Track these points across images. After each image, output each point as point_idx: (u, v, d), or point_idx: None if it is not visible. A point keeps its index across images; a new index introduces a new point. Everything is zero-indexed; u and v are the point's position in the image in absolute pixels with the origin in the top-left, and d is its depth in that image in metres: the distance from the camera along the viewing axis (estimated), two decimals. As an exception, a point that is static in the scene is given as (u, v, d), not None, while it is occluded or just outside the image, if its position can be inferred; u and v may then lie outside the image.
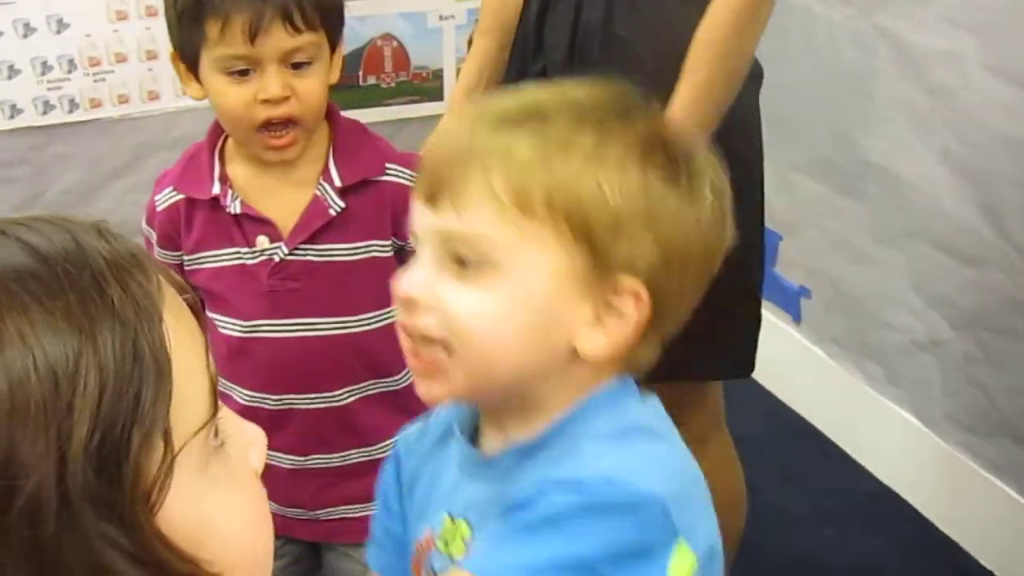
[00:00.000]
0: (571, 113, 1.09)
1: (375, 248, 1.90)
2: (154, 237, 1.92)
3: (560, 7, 2.02)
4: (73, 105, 2.71)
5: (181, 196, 1.88)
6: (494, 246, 1.06)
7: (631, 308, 1.08)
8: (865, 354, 3.07)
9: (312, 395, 1.92)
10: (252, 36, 1.73)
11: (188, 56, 1.79)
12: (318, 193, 1.86)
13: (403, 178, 1.89)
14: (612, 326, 1.08)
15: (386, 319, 1.92)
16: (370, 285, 1.89)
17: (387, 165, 1.90)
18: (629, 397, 1.14)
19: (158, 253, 1.91)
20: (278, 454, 1.92)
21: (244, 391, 1.92)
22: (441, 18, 2.93)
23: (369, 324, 1.92)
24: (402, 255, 1.90)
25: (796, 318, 3.28)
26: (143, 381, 0.72)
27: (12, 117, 2.68)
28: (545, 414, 1.12)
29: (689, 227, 1.09)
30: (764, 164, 2.12)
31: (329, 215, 1.86)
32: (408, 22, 2.91)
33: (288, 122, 1.79)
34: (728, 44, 1.90)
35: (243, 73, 1.76)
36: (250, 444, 0.86)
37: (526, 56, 2.11)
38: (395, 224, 1.89)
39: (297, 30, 1.76)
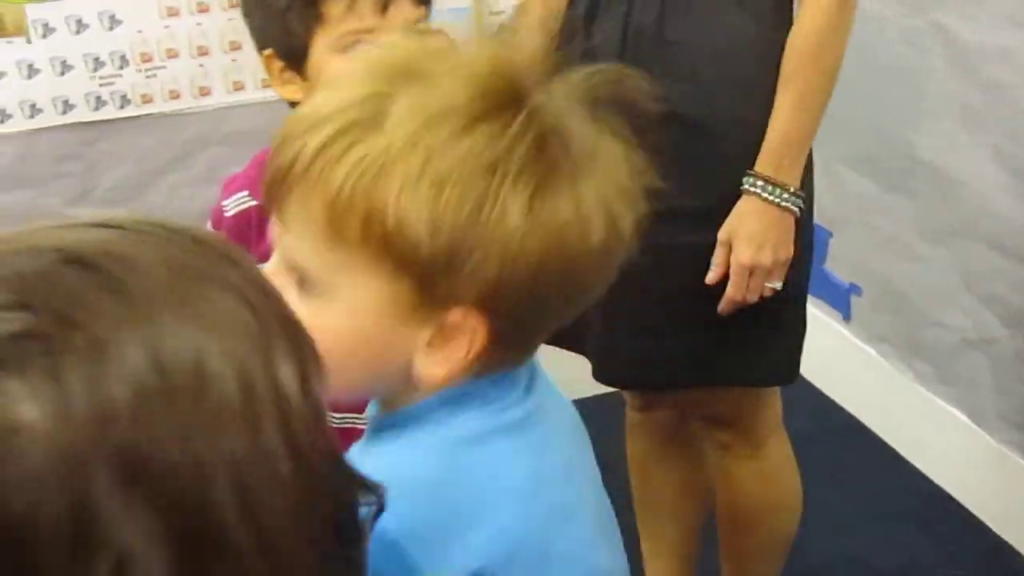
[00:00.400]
0: (416, 118, 0.97)
1: None
2: None
3: (610, 8, 2.01)
4: (124, 101, 2.72)
5: (254, 202, 1.80)
6: (315, 270, 1.00)
7: (466, 336, 1.01)
8: (915, 352, 3.05)
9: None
10: (384, 6, 1.70)
11: (293, 49, 1.72)
12: None
13: None
14: (449, 350, 1.02)
15: None
16: None
17: None
18: (466, 403, 1.06)
19: None
20: None
21: None
22: (491, 13, 2.92)
23: None
24: None
25: (845, 316, 3.26)
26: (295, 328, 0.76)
27: (64, 113, 2.70)
28: (398, 406, 1.08)
29: (541, 241, 0.98)
30: (814, 174, 2.11)
31: None
32: (458, 17, 2.90)
33: None
34: (822, 49, 1.92)
35: None
36: None
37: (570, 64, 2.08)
38: None
39: (419, 2, 1.74)
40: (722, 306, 1.98)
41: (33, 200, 2.74)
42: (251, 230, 1.81)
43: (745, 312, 2.03)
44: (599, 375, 2.18)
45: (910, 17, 2.85)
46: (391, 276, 0.98)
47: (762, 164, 1.93)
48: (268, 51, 1.75)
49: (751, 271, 1.94)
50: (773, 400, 2.27)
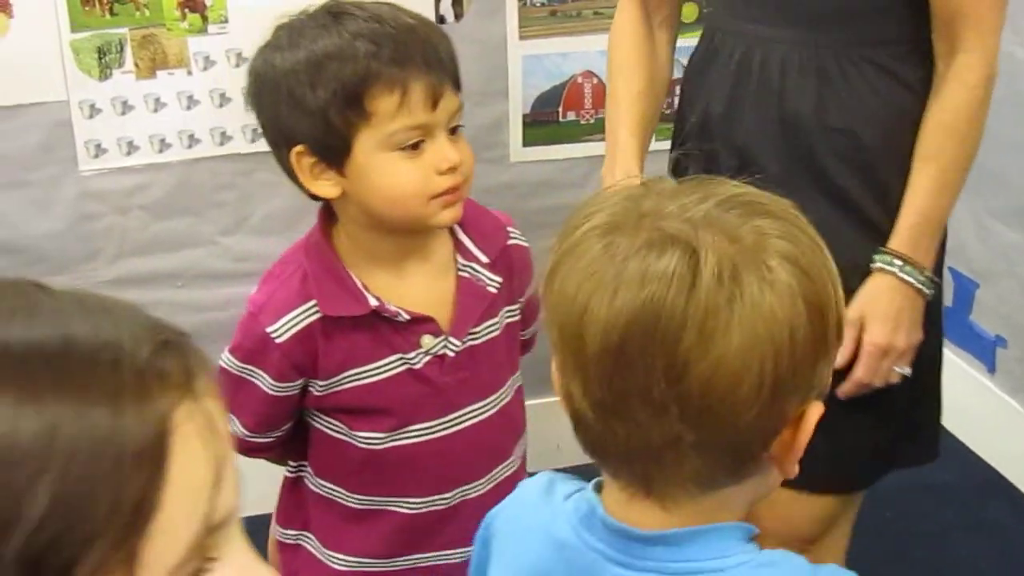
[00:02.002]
0: None
1: (509, 314, 1.85)
2: (264, 376, 1.76)
3: (760, 100, 1.91)
4: (280, 133, 2.79)
5: (315, 317, 1.72)
6: None
7: None
8: (1061, 407, 3.01)
9: (482, 480, 1.86)
10: (434, 102, 1.63)
11: (331, 147, 1.65)
12: (465, 275, 1.78)
13: (520, 240, 1.87)
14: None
15: (518, 381, 1.89)
16: (508, 352, 1.86)
17: (508, 229, 1.86)
18: None
19: (272, 387, 1.77)
20: (446, 552, 1.86)
21: (412, 499, 1.83)
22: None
23: (510, 392, 1.88)
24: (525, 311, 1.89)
25: (991, 368, 3.22)
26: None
27: (222, 144, 2.76)
28: None
29: None
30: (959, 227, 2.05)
31: (490, 294, 1.79)
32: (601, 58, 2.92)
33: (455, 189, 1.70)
34: (970, 126, 1.84)
35: (415, 147, 1.64)
36: None
37: (715, 163, 1.90)
38: (518, 285, 1.85)
39: (458, 89, 1.68)
40: (847, 387, 1.86)
41: (189, 228, 2.81)
42: (317, 344, 1.74)
43: (906, 393, 1.95)
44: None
45: (1066, 68, 2.82)
46: None
47: (899, 242, 1.83)
48: (299, 148, 1.66)
49: (884, 353, 1.84)
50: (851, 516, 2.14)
